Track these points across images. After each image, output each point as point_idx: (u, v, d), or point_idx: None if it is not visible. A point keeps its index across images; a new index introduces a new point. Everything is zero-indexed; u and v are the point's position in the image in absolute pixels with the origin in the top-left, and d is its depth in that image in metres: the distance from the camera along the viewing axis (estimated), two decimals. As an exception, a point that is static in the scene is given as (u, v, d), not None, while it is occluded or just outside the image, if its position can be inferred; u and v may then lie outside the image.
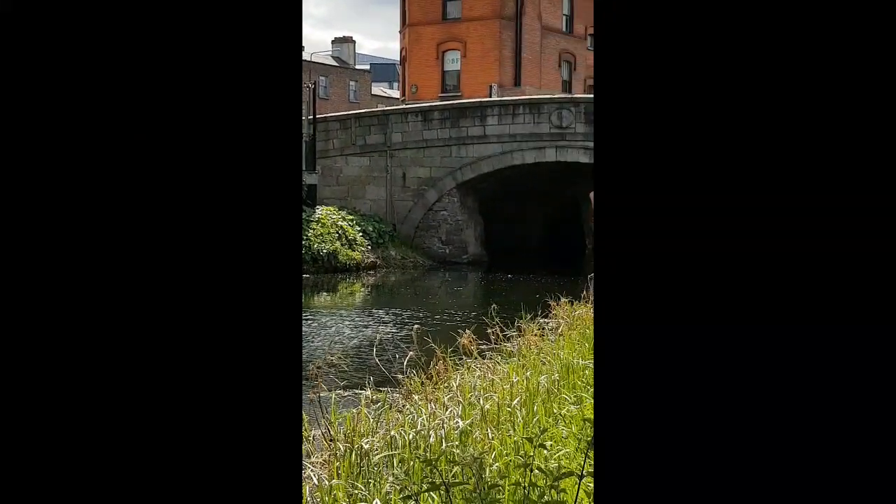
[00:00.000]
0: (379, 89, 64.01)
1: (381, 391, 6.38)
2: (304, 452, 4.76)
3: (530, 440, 3.35)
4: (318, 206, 23.74)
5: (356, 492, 4.18)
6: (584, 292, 12.19)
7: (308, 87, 26.05)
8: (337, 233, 22.77)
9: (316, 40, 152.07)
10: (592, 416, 5.32)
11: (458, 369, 7.05)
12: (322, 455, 4.98)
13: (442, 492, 3.14)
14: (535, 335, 8.78)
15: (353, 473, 4.47)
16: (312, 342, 12.34)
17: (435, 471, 3.55)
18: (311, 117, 25.09)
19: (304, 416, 5.10)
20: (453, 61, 37.91)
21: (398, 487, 4.11)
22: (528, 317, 9.87)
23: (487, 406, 5.61)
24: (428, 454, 4.51)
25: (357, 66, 61.26)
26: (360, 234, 23.37)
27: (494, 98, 30.65)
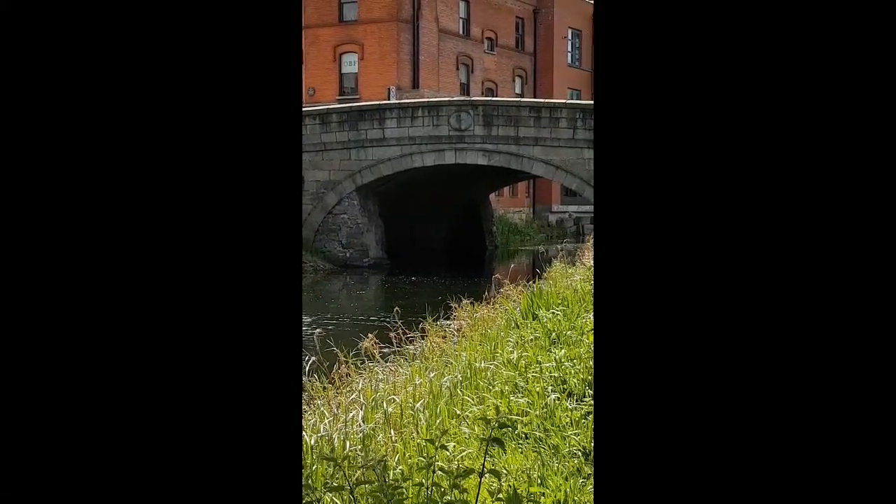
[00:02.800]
0: (276, 92, 63.20)
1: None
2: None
3: (432, 441, 3.39)
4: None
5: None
6: (486, 293, 12.33)
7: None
8: (235, 238, 22.39)
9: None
10: (493, 417, 5.39)
11: (361, 373, 7.05)
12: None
13: (345, 494, 3.15)
14: (438, 337, 8.84)
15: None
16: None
17: (339, 471, 3.56)
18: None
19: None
20: (351, 64, 37.76)
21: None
22: (431, 319, 9.92)
23: (391, 409, 5.64)
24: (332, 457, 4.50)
25: (253, 69, 60.32)
26: (260, 238, 23.06)
27: (393, 101, 30.67)
